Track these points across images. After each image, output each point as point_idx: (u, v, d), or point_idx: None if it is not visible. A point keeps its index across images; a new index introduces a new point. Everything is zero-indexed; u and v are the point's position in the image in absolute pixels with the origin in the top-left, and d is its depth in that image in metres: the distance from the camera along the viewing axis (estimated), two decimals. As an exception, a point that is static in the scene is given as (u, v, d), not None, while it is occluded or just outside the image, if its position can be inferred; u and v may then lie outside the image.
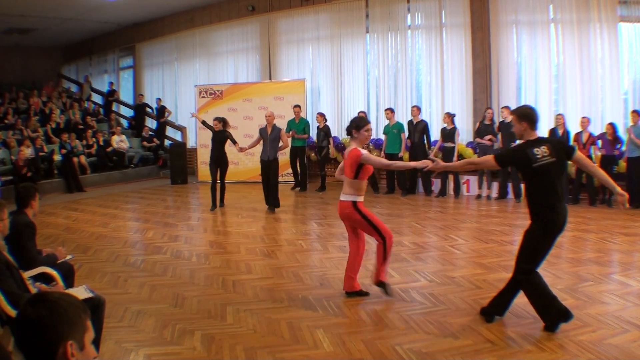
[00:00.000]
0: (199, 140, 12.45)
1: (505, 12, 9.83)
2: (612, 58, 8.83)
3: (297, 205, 9.29)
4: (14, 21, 13.59)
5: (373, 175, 9.33)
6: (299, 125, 10.44)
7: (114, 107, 16.20)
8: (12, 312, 2.73)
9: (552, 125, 8.56)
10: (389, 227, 4.30)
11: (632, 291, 4.28)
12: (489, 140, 9.10)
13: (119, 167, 12.88)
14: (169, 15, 14.62)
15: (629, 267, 5.00)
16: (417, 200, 9.31)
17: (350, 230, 4.31)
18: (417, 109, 9.74)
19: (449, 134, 9.37)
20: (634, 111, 8.05)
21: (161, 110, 14.52)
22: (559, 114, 8.61)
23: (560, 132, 8.39)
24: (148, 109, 15.08)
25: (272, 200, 8.23)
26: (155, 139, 14.35)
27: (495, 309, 3.73)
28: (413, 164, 4.26)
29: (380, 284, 4.21)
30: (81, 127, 13.30)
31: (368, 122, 4.24)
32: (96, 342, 2.83)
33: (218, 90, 12.35)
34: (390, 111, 9.91)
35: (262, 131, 8.20)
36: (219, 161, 8.40)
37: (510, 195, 9.07)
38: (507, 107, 9.03)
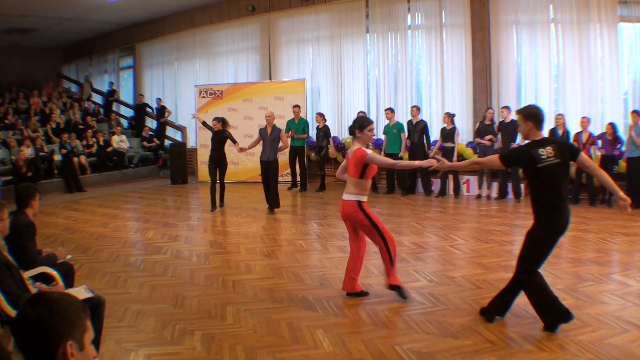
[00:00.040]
0: (199, 140, 12.45)
1: (505, 12, 9.83)
2: (612, 58, 8.83)
3: (297, 205, 9.29)
4: (14, 21, 13.60)
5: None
6: (298, 125, 10.43)
7: (114, 107, 16.20)
8: (12, 312, 2.73)
9: (552, 125, 8.56)
10: (388, 227, 4.30)
11: (632, 291, 4.28)
12: (489, 140, 9.10)
13: (119, 167, 12.88)
14: (169, 15, 14.63)
15: (629, 267, 5.00)
16: (417, 200, 9.31)
17: (351, 231, 4.30)
18: (416, 109, 9.74)
19: (448, 134, 9.37)
20: (634, 111, 8.05)
21: (161, 110, 14.52)
22: (559, 114, 8.61)
23: (560, 132, 8.40)
24: (148, 109, 15.08)
25: (272, 201, 8.21)
26: (155, 139, 14.35)
27: (495, 309, 3.73)
28: (418, 163, 4.25)
29: (393, 287, 4.20)
30: (81, 127, 13.30)
31: (371, 122, 4.23)
32: (96, 342, 2.83)
33: (218, 90, 12.35)
34: (390, 111, 9.91)
35: (262, 131, 8.19)
36: (218, 161, 8.39)
37: (510, 195, 9.07)
38: (507, 107, 9.04)
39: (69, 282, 3.68)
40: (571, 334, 3.43)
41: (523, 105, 9.66)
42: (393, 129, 9.70)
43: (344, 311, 4.02)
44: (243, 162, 11.77)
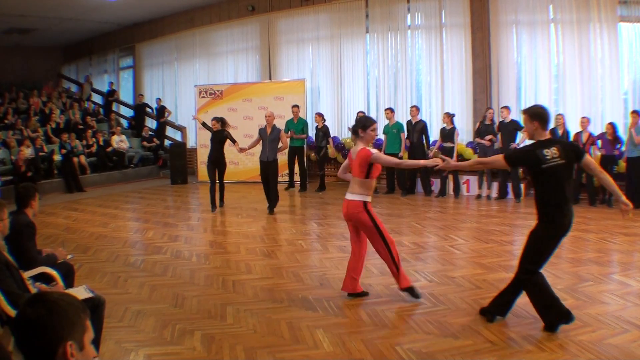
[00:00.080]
0: (199, 140, 12.45)
1: (505, 12, 9.84)
2: (612, 58, 8.83)
3: (297, 205, 9.29)
4: (14, 21, 13.59)
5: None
6: (297, 125, 10.43)
7: (114, 107, 16.20)
8: (12, 312, 2.73)
9: (552, 126, 8.56)
10: (388, 227, 4.30)
11: (632, 291, 4.28)
12: (489, 140, 9.09)
13: (119, 167, 12.88)
14: (169, 15, 14.63)
15: (629, 267, 5.00)
16: (417, 200, 9.31)
17: (353, 231, 4.28)
18: (415, 109, 9.74)
19: (448, 134, 9.36)
20: (634, 111, 8.05)
21: (161, 110, 14.52)
22: (559, 114, 8.61)
23: (560, 132, 8.40)
24: (148, 109, 15.08)
25: (271, 202, 8.19)
26: (155, 139, 14.35)
27: (496, 309, 3.73)
28: (424, 162, 4.24)
29: (405, 289, 4.19)
30: (81, 127, 13.30)
31: (374, 122, 4.22)
32: (96, 342, 2.83)
33: (218, 90, 12.35)
34: (390, 111, 9.90)
35: (262, 131, 8.17)
36: (217, 162, 8.35)
37: (510, 195, 9.07)
38: (506, 107, 9.05)
39: (69, 282, 3.68)
40: (571, 334, 3.43)
41: (523, 105, 9.79)
42: (393, 129, 9.70)
43: (344, 311, 4.01)
44: (243, 162, 11.77)
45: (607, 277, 4.69)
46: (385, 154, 9.67)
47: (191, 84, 13.71)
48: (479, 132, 9.28)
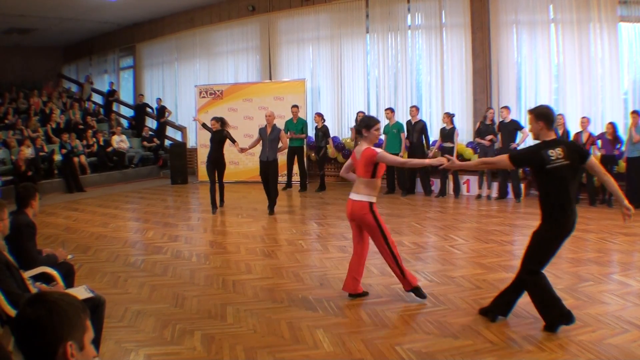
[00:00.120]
0: (199, 140, 12.45)
1: (505, 12, 9.84)
2: (612, 58, 8.83)
3: (297, 205, 9.29)
4: (14, 21, 13.59)
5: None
6: (296, 125, 10.43)
7: (114, 107, 16.20)
8: (12, 312, 2.73)
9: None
10: (388, 227, 4.29)
11: (632, 291, 4.28)
12: (489, 140, 9.08)
13: (119, 167, 12.88)
14: (169, 15, 14.63)
15: (629, 267, 5.00)
16: (417, 200, 9.31)
17: (356, 231, 4.27)
18: (415, 109, 9.74)
19: (448, 134, 9.36)
20: (634, 112, 8.05)
21: (161, 110, 14.52)
22: (559, 114, 8.59)
23: (560, 132, 8.39)
24: (148, 109, 15.08)
25: (270, 202, 8.17)
26: (155, 139, 14.35)
27: (498, 309, 3.73)
28: (428, 161, 4.24)
29: (411, 289, 4.19)
30: (81, 127, 13.30)
31: (378, 122, 4.21)
32: (96, 342, 2.83)
33: (218, 90, 12.35)
34: (390, 111, 9.90)
35: (262, 131, 8.16)
36: (216, 162, 8.31)
37: (510, 195, 9.07)
38: (506, 107, 9.05)
39: (69, 282, 3.68)
40: (571, 334, 3.44)
41: (523, 105, 9.81)
42: (393, 129, 9.70)
43: (344, 311, 4.02)
44: (243, 162, 11.77)
45: (607, 277, 4.69)
46: (385, 153, 9.72)
47: (191, 84, 13.71)
48: (479, 132, 9.28)
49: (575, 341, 3.33)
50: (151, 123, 14.98)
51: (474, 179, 9.55)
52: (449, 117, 9.39)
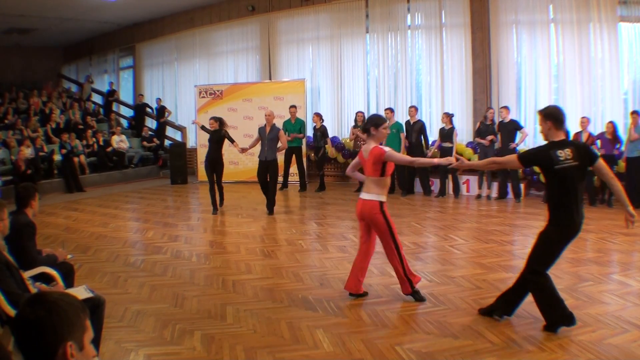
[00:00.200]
0: (199, 140, 12.44)
1: (505, 12, 9.84)
2: (612, 58, 8.83)
3: (296, 205, 9.29)
4: (14, 21, 13.60)
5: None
6: (294, 125, 10.42)
7: (114, 107, 16.20)
8: (12, 312, 2.73)
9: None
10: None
11: (632, 291, 4.28)
12: (489, 140, 9.08)
13: (119, 167, 12.88)
14: (169, 15, 14.63)
15: (629, 267, 5.00)
16: (417, 200, 9.30)
17: (365, 230, 4.25)
18: (414, 109, 9.75)
19: (447, 134, 9.36)
20: (634, 112, 8.05)
21: (161, 110, 14.52)
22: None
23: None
24: (148, 109, 15.09)
25: (270, 203, 8.16)
26: (155, 139, 14.35)
27: (503, 307, 3.72)
28: (437, 160, 4.23)
29: (412, 294, 4.19)
30: (81, 127, 13.30)
31: (386, 120, 4.23)
32: (96, 342, 2.83)
33: (218, 90, 12.35)
34: (390, 111, 9.90)
35: (261, 130, 8.12)
36: (214, 163, 8.25)
37: (510, 195, 9.07)
38: (505, 107, 9.05)
39: (69, 282, 3.68)
40: (571, 334, 3.44)
41: (523, 105, 9.82)
42: (392, 129, 9.67)
43: (344, 311, 4.01)
44: (243, 162, 11.77)
45: (607, 277, 4.69)
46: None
47: (191, 84, 13.71)
48: (480, 132, 9.28)
49: (575, 341, 3.34)
50: (151, 123, 14.98)
51: (473, 179, 9.55)
52: (448, 117, 9.40)
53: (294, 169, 10.71)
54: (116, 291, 4.58)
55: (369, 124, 4.15)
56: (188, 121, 14.16)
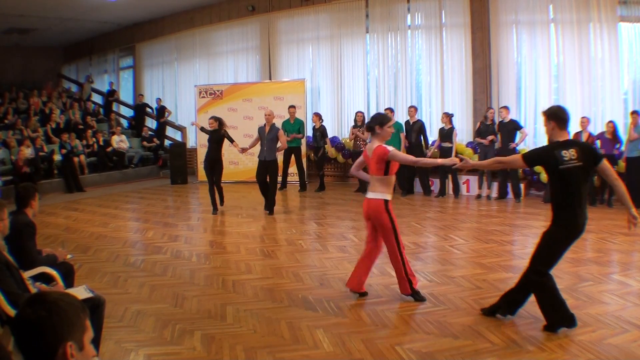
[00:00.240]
0: (199, 140, 12.43)
1: (505, 12, 9.84)
2: (612, 58, 8.84)
3: (296, 205, 9.29)
4: (14, 21, 13.59)
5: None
6: (293, 125, 10.41)
7: (114, 107, 16.20)
8: (12, 312, 2.73)
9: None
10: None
11: (632, 291, 4.28)
12: (489, 140, 9.08)
13: (119, 167, 12.88)
14: (169, 15, 14.63)
15: (629, 267, 5.01)
16: (417, 200, 9.30)
17: (372, 230, 4.26)
18: (413, 109, 9.75)
19: (446, 134, 9.36)
20: (634, 112, 8.05)
21: (161, 110, 14.52)
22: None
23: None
24: (148, 109, 15.08)
25: (269, 203, 8.14)
26: (155, 139, 14.35)
27: (505, 307, 3.72)
28: (441, 161, 4.23)
29: (411, 294, 4.19)
30: (81, 127, 13.30)
31: (390, 119, 4.22)
32: (96, 342, 2.83)
33: (218, 90, 12.35)
34: (390, 111, 9.90)
35: (261, 130, 8.09)
36: (213, 164, 8.23)
37: (510, 195, 9.07)
38: (505, 107, 9.05)
39: (69, 282, 3.68)
40: (571, 334, 3.44)
41: (523, 105, 9.82)
42: (392, 129, 9.68)
43: (344, 311, 4.01)
44: (243, 162, 11.76)
45: (607, 277, 4.69)
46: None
47: (191, 84, 13.71)
48: (480, 132, 9.27)
49: (576, 341, 3.34)
50: (151, 123, 14.98)
51: (473, 179, 9.55)
52: (448, 117, 9.40)
53: (293, 169, 10.71)
54: (116, 291, 4.58)
55: (373, 123, 4.14)
56: (188, 121, 14.15)
